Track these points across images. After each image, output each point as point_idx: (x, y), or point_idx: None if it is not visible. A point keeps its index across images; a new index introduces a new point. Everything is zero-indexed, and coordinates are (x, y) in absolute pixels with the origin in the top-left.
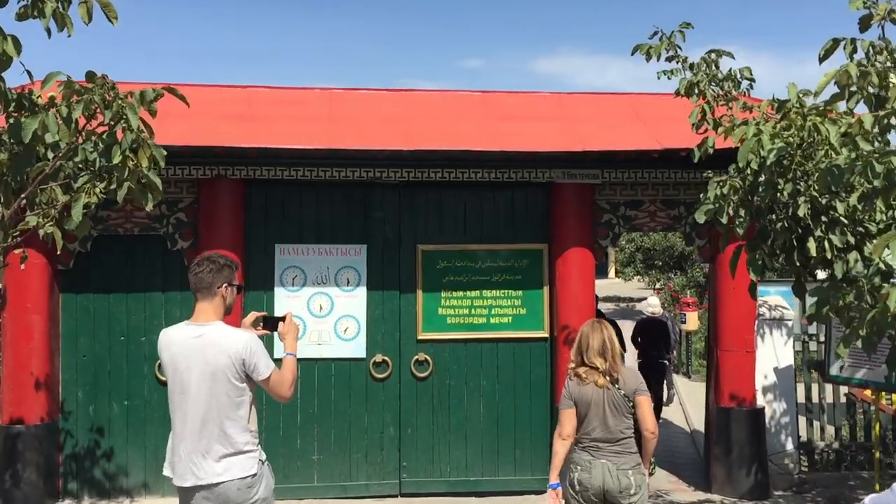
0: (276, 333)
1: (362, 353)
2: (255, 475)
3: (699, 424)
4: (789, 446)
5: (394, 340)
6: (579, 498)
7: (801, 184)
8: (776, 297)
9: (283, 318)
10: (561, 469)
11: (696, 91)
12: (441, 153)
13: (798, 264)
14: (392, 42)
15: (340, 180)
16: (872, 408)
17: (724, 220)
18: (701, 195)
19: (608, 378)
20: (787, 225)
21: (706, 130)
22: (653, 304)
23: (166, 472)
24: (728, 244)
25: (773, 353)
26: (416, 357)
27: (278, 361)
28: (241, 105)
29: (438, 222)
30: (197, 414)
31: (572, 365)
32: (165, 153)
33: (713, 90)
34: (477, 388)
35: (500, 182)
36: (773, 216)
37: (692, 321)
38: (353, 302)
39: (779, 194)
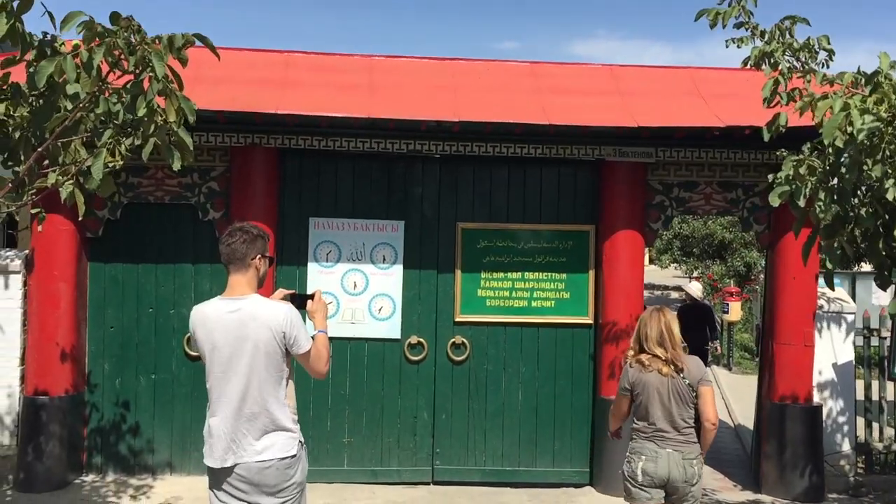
0: (304, 311)
1: (397, 334)
2: (294, 456)
3: (743, 419)
4: (846, 447)
5: (430, 322)
6: (642, 487)
7: (891, 164)
8: (837, 290)
9: (311, 296)
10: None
11: (769, 61)
12: (487, 125)
13: (883, 253)
14: (424, 21)
15: (379, 152)
16: None
17: (802, 202)
18: (771, 176)
19: (672, 367)
20: (872, 210)
21: (778, 105)
22: (695, 289)
23: (207, 460)
24: (801, 229)
25: (832, 349)
26: (452, 340)
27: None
28: (277, 70)
29: (480, 199)
30: (237, 391)
31: (631, 352)
32: (196, 106)
33: (788, 61)
34: (516, 374)
35: (547, 158)
36: (857, 200)
37: (734, 311)
38: (388, 280)
39: (865, 175)
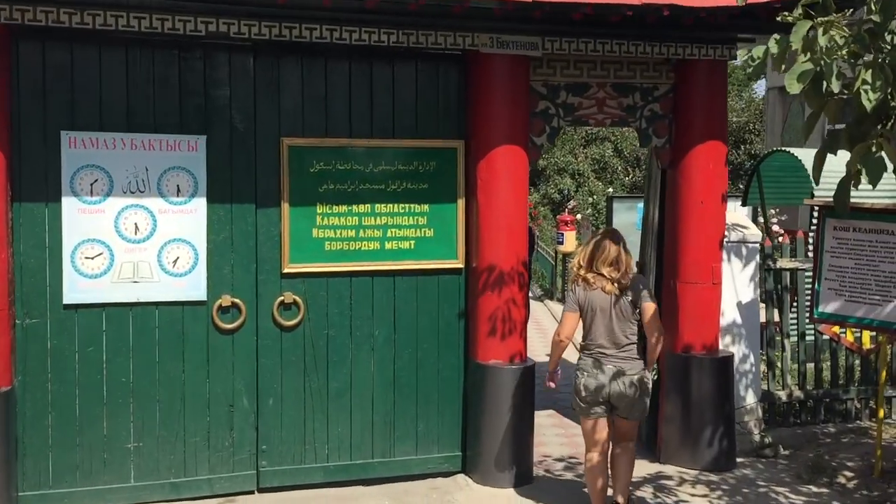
0: None
1: (201, 294)
2: None
3: None
4: (750, 400)
5: (248, 275)
6: (586, 402)
7: None
8: (735, 214)
9: None
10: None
11: None
12: None
13: None
14: None
15: (165, 35)
16: (844, 347)
17: (835, 86)
18: (743, 53)
19: (616, 286)
20: None
21: None
22: None
23: None
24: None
25: (733, 285)
26: (280, 298)
27: None
28: None
29: (313, 106)
30: None
31: (581, 271)
32: None
33: None
34: (366, 338)
35: (403, 50)
36: None
37: (569, 241)
38: (186, 220)
39: None
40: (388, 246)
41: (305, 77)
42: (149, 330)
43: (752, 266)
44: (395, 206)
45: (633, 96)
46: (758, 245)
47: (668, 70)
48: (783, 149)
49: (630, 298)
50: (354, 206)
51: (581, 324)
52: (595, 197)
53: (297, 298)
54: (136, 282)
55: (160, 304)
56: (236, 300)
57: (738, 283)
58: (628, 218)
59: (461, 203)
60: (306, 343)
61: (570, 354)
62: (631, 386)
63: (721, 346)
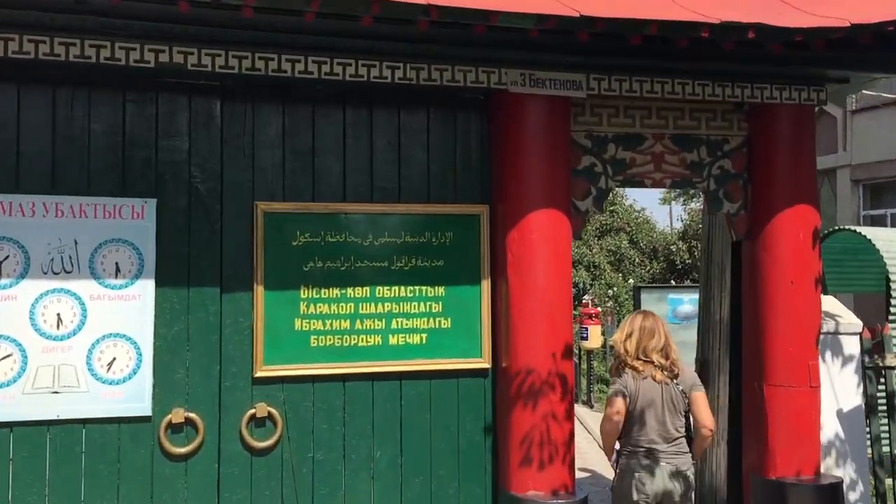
0: None
1: (145, 408)
2: None
3: None
4: None
5: (209, 381)
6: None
7: None
8: (828, 299)
9: None
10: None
11: None
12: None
13: None
14: None
15: (104, 67)
16: None
17: None
18: None
19: (666, 373)
20: None
21: None
22: None
23: None
24: None
25: (831, 389)
26: (251, 411)
27: None
28: None
29: (297, 161)
30: None
31: (628, 358)
32: None
33: None
34: (365, 463)
35: (412, 88)
36: None
37: (594, 337)
38: (127, 308)
39: None
40: (392, 340)
41: (288, 125)
42: (72, 457)
43: (852, 364)
44: (403, 288)
45: (697, 151)
46: (857, 337)
47: (739, 119)
48: (847, 227)
49: (681, 387)
50: (350, 290)
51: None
52: (615, 289)
53: (274, 411)
54: (56, 392)
55: (89, 422)
56: (192, 415)
57: (836, 386)
58: (658, 310)
59: (486, 285)
60: (285, 470)
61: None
62: (683, 483)
63: (822, 469)
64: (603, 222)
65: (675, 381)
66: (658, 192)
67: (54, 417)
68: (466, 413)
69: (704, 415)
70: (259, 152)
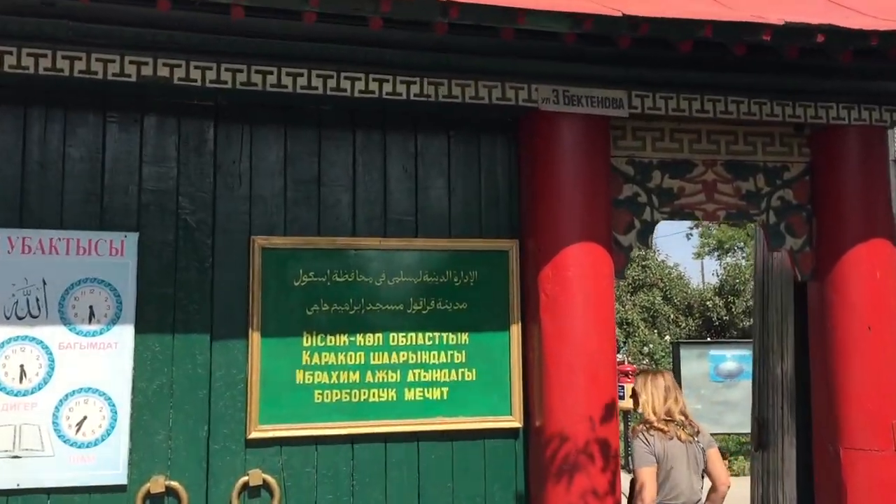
0: None
1: (119, 476)
2: None
3: None
4: None
5: (195, 444)
6: None
7: None
8: None
9: None
10: None
11: None
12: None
13: None
14: None
15: (77, 81)
16: None
17: None
18: None
19: (688, 431)
20: None
21: None
22: None
23: None
24: None
25: None
26: (243, 479)
27: None
28: None
29: (300, 192)
30: None
31: (654, 421)
32: None
33: None
34: None
35: (428, 106)
36: None
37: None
38: (101, 359)
39: None
40: (409, 395)
41: (290, 150)
42: None
43: None
44: (421, 335)
45: (754, 179)
46: None
47: (800, 143)
48: None
49: (702, 445)
50: (360, 337)
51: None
52: (650, 346)
53: (270, 479)
54: (16, 457)
55: (54, 492)
56: (174, 483)
57: None
58: (699, 367)
59: (516, 331)
60: None
61: None
62: None
63: None
64: (635, 278)
65: (696, 438)
66: (691, 247)
67: (13, 486)
68: (494, 481)
69: (722, 471)
70: (257, 180)
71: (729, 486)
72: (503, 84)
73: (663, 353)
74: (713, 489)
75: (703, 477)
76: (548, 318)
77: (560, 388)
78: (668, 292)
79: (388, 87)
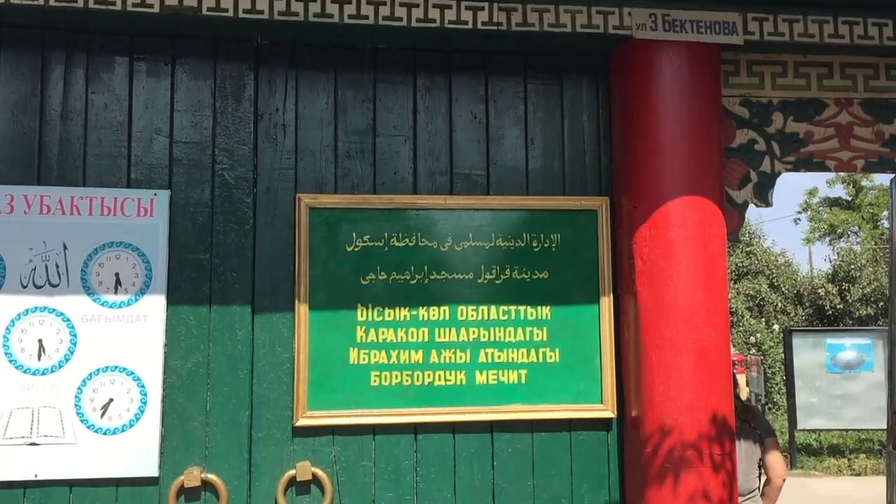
0: None
1: (150, 467)
2: None
3: None
4: None
5: (235, 431)
6: None
7: None
8: None
9: None
10: None
11: None
12: None
13: None
14: None
15: (93, 11)
16: None
17: None
18: None
19: (741, 415)
20: None
21: None
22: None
23: None
24: None
25: None
26: (290, 473)
27: None
28: None
29: (353, 143)
30: None
31: None
32: None
33: None
34: None
35: (500, 37)
36: None
37: (741, 387)
38: (129, 334)
39: None
40: (480, 379)
41: (340, 97)
42: None
43: None
44: (494, 309)
45: None
46: None
47: None
48: None
49: (758, 432)
50: (423, 311)
51: None
52: (757, 336)
53: (320, 473)
54: (34, 444)
55: (76, 484)
56: (212, 477)
57: None
58: (814, 357)
59: (607, 304)
60: None
61: None
62: None
63: None
64: (739, 265)
65: (753, 425)
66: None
67: (31, 477)
68: (582, 480)
69: (779, 462)
70: (303, 132)
71: (784, 480)
72: (589, 8)
73: (772, 344)
74: (768, 481)
75: (759, 467)
76: (645, 289)
77: (662, 371)
78: (774, 280)
79: (450, 15)
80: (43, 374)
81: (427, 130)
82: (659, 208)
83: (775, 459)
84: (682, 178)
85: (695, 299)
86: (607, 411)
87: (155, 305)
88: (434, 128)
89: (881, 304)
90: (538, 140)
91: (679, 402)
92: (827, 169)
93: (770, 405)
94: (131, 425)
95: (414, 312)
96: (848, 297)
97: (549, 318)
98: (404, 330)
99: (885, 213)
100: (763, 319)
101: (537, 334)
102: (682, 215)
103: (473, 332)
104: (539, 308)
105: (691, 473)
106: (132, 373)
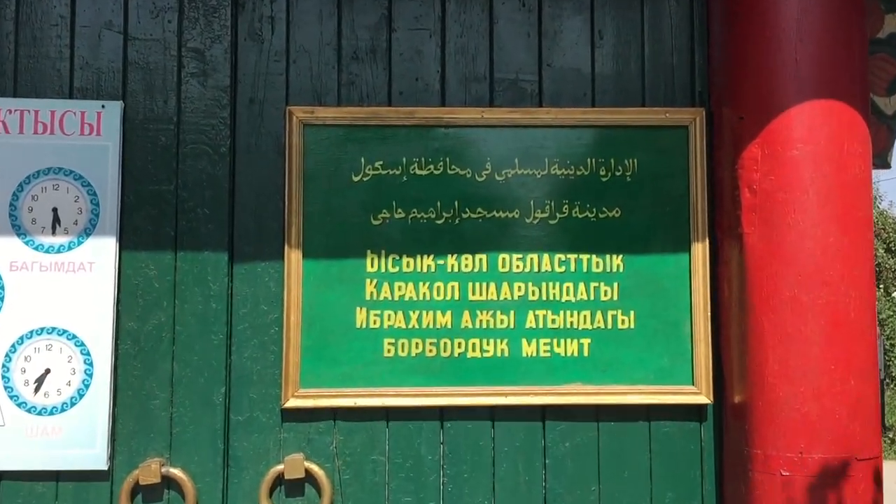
0: None
1: (98, 458)
2: None
3: None
4: None
5: (207, 411)
6: None
7: None
8: None
9: None
10: None
11: None
12: None
13: None
14: None
15: None
16: None
17: None
18: None
19: None
20: None
21: None
22: None
23: None
24: None
25: None
26: (277, 468)
27: None
28: None
29: (360, 40)
30: None
31: None
32: None
33: None
34: None
35: None
36: None
37: None
38: (69, 285)
39: None
40: (528, 350)
41: None
42: None
43: None
44: (547, 258)
45: None
46: None
47: None
48: None
49: None
50: (452, 260)
51: None
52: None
53: (317, 469)
54: None
55: (5, 477)
56: (176, 472)
57: None
58: None
59: (700, 252)
60: None
61: None
62: None
63: None
64: None
65: None
66: None
67: None
68: (666, 485)
69: None
70: (297, 26)
71: None
72: None
73: (891, 312)
74: None
75: None
76: (756, 230)
77: (779, 342)
78: (893, 244)
79: None
80: None
81: (459, 22)
82: (776, 118)
83: None
84: (809, 77)
85: (827, 244)
86: (700, 395)
87: (103, 250)
88: (469, 18)
89: None
90: (608, 35)
91: (803, 385)
92: None
93: (888, 380)
94: (73, 403)
95: (441, 262)
96: None
97: (620, 270)
98: (428, 284)
99: None
100: (881, 285)
101: (605, 292)
102: (809, 127)
103: (519, 289)
104: (608, 257)
105: (831, 484)
106: (74, 336)
